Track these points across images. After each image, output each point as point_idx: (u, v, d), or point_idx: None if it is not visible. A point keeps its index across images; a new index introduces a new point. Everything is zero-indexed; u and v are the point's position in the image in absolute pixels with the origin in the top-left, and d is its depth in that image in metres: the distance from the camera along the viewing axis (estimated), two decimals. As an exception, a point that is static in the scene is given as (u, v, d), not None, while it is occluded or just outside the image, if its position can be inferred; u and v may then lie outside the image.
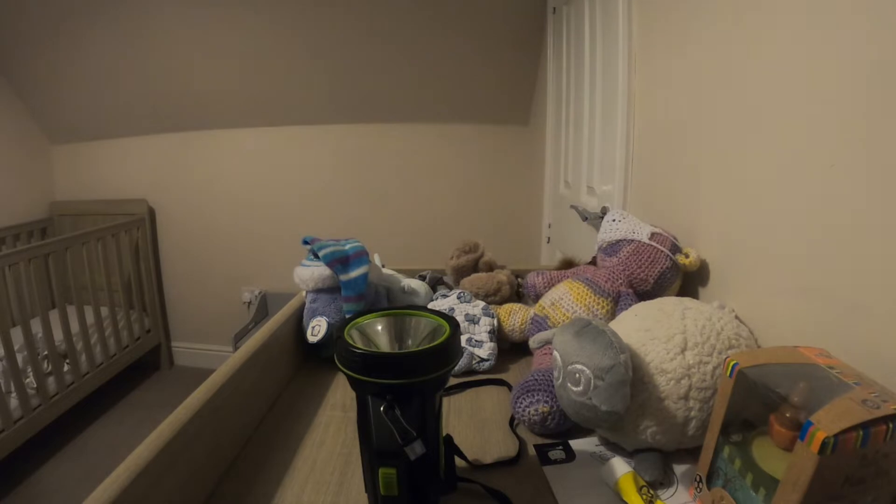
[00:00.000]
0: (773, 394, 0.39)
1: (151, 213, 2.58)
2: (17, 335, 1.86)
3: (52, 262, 2.02)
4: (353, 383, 0.42)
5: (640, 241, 0.77)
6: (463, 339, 0.78)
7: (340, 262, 0.81)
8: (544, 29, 1.92)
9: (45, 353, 1.91)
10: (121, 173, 2.55)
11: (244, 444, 0.60)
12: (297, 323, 0.82)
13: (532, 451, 0.58)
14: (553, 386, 0.58)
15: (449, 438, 0.50)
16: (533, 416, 0.59)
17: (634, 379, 0.51)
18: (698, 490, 0.46)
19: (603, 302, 0.73)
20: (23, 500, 1.70)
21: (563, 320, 0.73)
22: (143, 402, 2.35)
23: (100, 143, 2.52)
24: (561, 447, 0.58)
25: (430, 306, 0.85)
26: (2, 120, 2.33)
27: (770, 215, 0.63)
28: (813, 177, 0.55)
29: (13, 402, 1.77)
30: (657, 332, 0.55)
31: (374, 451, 0.43)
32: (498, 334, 0.81)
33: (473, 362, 0.77)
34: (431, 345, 0.41)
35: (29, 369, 1.84)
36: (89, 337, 2.12)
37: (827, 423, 0.33)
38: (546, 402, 0.59)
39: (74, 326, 2.06)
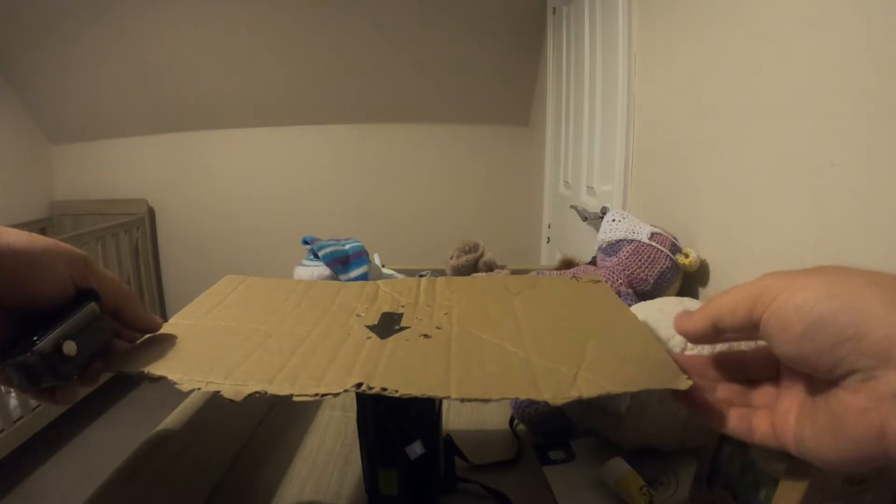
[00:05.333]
0: (773, 394, 0.39)
1: (151, 213, 2.58)
2: (16, 335, 1.86)
3: (52, 262, 2.02)
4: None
5: (639, 241, 0.76)
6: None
7: (340, 261, 0.81)
8: (544, 29, 1.92)
9: (45, 352, 1.91)
10: (121, 173, 2.55)
11: (244, 444, 0.60)
12: (297, 323, 0.81)
13: (532, 451, 0.57)
14: (553, 386, 0.58)
15: (449, 438, 0.50)
16: (533, 416, 0.59)
17: (634, 379, 0.51)
18: (698, 490, 0.46)
19: (603, 302, 0.73)
20: (22, 500, 1.70)
21: (563, 320, 0.73)
22: (143, 402, 2.35)
23: (100, 143, 2.52)
24: (561, 447, 0.58)
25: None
26: (2, 120, 2.33)
27: (770, 215, 0.63)
28: (813, 177, 0.55)
29: (13, 401, 1.77)
30: (657, 333, 0.55)
31: (374, 451, 0.43)
32: (498, 334, 0.80)
33: (473, 362, 0.76)
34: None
35: (29, 369, 1.84)
36: (89, 337, 2.12)
37: (827, 423, 0.32)
38: (546, 402, 0.58)
39: (74, 326, 2.06)
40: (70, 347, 0.30)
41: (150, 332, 0.37)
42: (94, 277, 0.33)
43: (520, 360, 0.34)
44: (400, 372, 0.32)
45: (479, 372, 0.32)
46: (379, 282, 0.51)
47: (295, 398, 0.30)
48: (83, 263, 0.32)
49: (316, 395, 0.30)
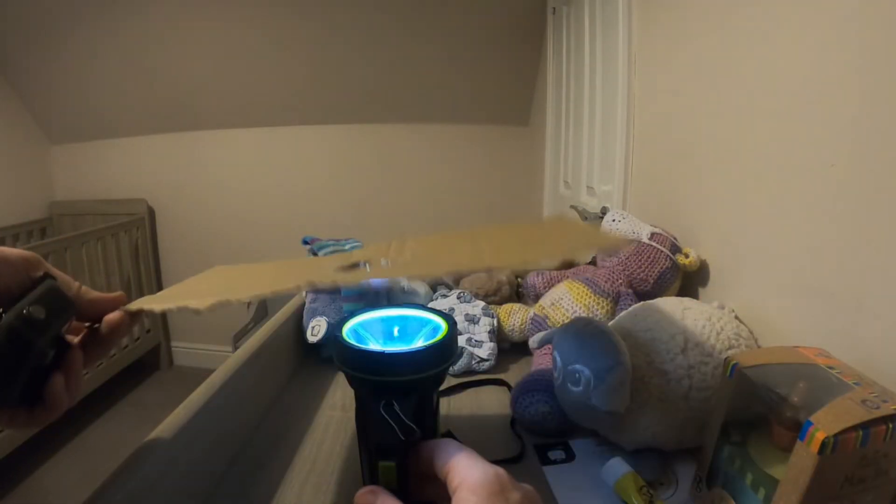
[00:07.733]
0: (773, 394, 0.39)
1: (151, 213, 2.58)
2: (16, 335, 1.86)
3: (52, 262, 2.01)
4: (351, 380, 0.42)
5: (639, 241, 0.77)
6: (463, 339, 0.78)
7: (340, 261, 0.81)
8: (544, 29, 1.92)
9: (45, 353, 1.91)
10: (121, 173, 2.55)
11: (244, 443, 0.60)
12: (297, 323, 0.82)
13: (532, 451, 0.58)
14: (553, 386, 0.58)
15: (450, 434, 0.50)
16: (533, 416, 0.59)
17: (634, 379, 0.51)
18: (698, 490, 0.46)
19: (603, 302, 0.73)
20: (23, 500, 1.70)
21: (563, 320, 0.73)
22: (143, 402, 2.35)
23: (100, 143, 2.52)
24: (561, 447, 0.58)
25: (429, 306, 0.85)
26: (2, 120, 2.33)
27: (770, 215, 0.63)
28: (813, 176, 0.55)
29: (13, 401, 1.77)
30: (657, 333, 0.55)
31: (374, 446, 0.43)
32: (498, 334, 0.81)
33: (473, 362, 0.76)
34: (429, 343, 0.41)
35: (29, 369, 1.84)
36: (89, 337, 2.12)
37: (827, 423, 0.33)
38: (546, 402, 0.59)
39: (74, 326, 2.06)
40: (37, 310, 0.31)
41: (116, 309, 0.39)
42: (47, 272, 0.35)
43: (470, 249, 0.43)
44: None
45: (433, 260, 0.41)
46: (354, 251, 0.58)
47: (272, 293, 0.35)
48: (37, 261, 0.34)
49: (298, 286, 0.36)
